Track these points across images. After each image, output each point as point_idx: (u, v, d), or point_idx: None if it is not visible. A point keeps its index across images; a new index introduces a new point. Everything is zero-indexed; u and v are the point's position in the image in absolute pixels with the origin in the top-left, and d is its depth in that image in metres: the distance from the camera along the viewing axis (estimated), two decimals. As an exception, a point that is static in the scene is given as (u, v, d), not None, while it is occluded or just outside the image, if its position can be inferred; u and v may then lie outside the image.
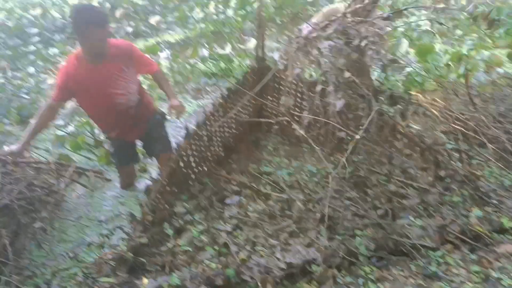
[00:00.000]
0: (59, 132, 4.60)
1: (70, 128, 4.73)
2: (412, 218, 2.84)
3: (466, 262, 2.50)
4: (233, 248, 2.69)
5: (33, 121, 3.39)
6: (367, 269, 2.52)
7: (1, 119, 5.36)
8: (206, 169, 3.69)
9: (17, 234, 2.94)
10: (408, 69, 5.22)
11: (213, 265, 2.54)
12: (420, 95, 4.62)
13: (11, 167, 3.24)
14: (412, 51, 5.87)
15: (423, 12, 7.86)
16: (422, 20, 7.14)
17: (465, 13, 7.50)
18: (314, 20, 3.55)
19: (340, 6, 3.56)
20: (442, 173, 3.23)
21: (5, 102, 5.67)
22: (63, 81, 3.18)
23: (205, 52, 6.94)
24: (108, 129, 3.58)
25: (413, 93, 4.72)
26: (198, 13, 10.04)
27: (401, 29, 7.18)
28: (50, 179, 3.69)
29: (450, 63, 5.42)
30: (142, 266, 2.63)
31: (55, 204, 3.40)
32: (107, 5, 10.83)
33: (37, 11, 10.81)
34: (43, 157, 4.04)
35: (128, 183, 3.80)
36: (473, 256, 2.53)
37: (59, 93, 3.25)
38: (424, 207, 2.97)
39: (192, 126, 3.53)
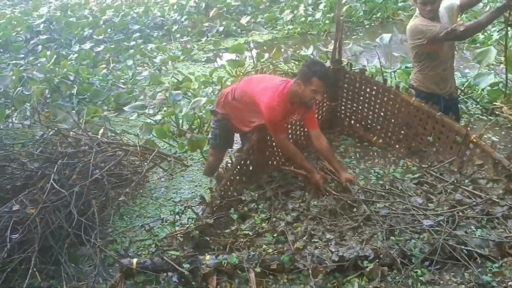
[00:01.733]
0: (148, 120, 5.06)
1: (158, 117, 5.18)
2: (473, 228, 2.81)
3: (525, 277, 2.45)
4: (291, 238, 2.86)
5: None
6: (419, 271, 2.55)
7: (101, 105, 5.98)
8: (275, 163, 3.90)
9: (105, 205, 3.34)
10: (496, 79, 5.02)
11: (270, 250, 2.73)
12: (505, 107, 4.44)
13: (105, 146, 3.66)
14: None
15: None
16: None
17: None
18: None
19: (422, 20, 3.51)
20: (513, 186, 3.14)
21: (105, 90, 6.30)
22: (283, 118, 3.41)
23: (288, 53, 7.14)
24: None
25: (497, 104, 4.55)
26: (287, 15, 10.27)
27: (495, 37, 6.85)
28: (136, 161, 4.13)
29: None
30: (206, 244, 2.89)
31: (138, 183, 3.80)
32: (202, 5, 11.46)
33: (141, 9, 11.73)
34: (132, 141, 4.48)
35: (215, 165, 3.92)
36: (532, 271, 2.47)
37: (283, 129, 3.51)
38: (489, 218, 2.91)
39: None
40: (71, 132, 4.05)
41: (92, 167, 3.24)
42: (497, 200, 3.07)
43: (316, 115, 4.30)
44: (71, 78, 6.62)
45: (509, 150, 3.65)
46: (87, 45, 9.01)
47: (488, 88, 4.95)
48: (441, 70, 3.64)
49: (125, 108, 5.37)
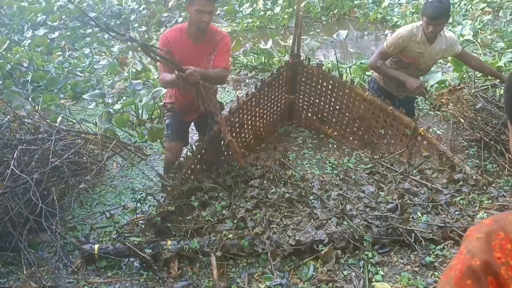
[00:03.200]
0: (107, 109, 5.01)
1: (117, 107, 5.14)
2: (419, 214, 3.02)
3: (463, 257, 2.67)
4: (250, 224, 2.97)
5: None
6: (369, 254, 2.74)
7: (57, 93, 5.86)
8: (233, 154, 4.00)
9: (64, 192, 3.34)
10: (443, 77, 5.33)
11: (230, 236, 2.83)
12: (451, 104, 4.72)
13: (64, 134, 3.64)
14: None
15: (469, 21, 7.85)
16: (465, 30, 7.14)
17: (512, 26, 7.45)
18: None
19: (412, 29, 3.55)
20: (456, 176, 3.39)
21: (62, 79, 6.17)
22: (164, 46, 3.25)
23: (248, 46, 7.24)
24: (180, 101, 3.63)
25: (443, 100, 4.84)
26: (246, 8, 10.35)
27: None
28: (96, 149, 4.12)
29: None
30: (168, 230, 2.96)
31: (98, 172, 3.80)
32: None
33: (97, -4, 11.46)
34: (91, 129, 4.46)
35: (172, 160, 3.74)
36: (470, 253, 2.70)
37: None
38: (434, 205, 3.14)
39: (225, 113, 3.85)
40: (28, 119, 3.98)
41: (52, 154, 3.22)
42: (441, 189, 3.31)
43: (274, 108, 4.45)
44: (25, 65, 6.44)
45: (452, 143, 3.91)
46: (41, 31, 8.74)
47: (436, 85, 5.25)
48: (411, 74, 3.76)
49: (84, 97, 5.29)
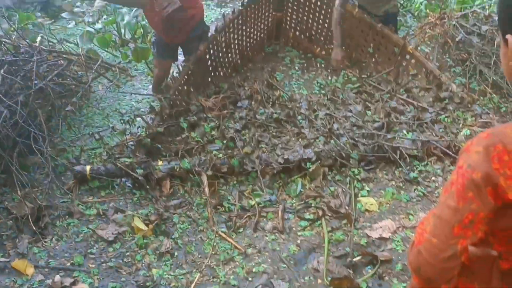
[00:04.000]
0: (88, 28, 4.83)
1: (98, 26, 4.96)
2: (405, 132, 3.09)
3: (445, 173, 2.79)
4: (239, 143, 3.01)
5: None
6: (355, 170, 2.83)
7: (33, 11, 5.58)
8: (222, 74, 3.96)
9: (51, 115, 3.31)
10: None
11: (220, 155, 2.89)
12: (438, 21, 4.64)
13: (45, 54, 3.53)
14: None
15: None
16: None
17: None
18: None
19: None
20: (442, 94, 3.43)
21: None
22: None
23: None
24: (157, 28, 3.62)
25: (431, 17, 4.74)
26: None
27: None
28: (79, 71, 4.03)
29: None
30: (158, 151, 2.99)
31: (84, 93, 3.74)
32: None
33: None
34: (73, 50, 4.32)
35: (162, 76, 3.80)
36: (453, 168, 2.81)
37: None
38: (419, 123, 3.21)
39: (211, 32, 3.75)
40: (5, 39, 3.83)
41: (35, 76, 3.14)
42: (427, 107, 3.36)
43: (261, 26, 4.34)
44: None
45: (440, 61, 3.91)
46: None
47: (426, 2, 5.13)
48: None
49: (63, 15, 5.07)
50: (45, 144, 2.87)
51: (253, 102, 3.52)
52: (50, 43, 4.24)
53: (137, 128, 3.26)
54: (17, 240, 2.44)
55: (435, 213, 0.89)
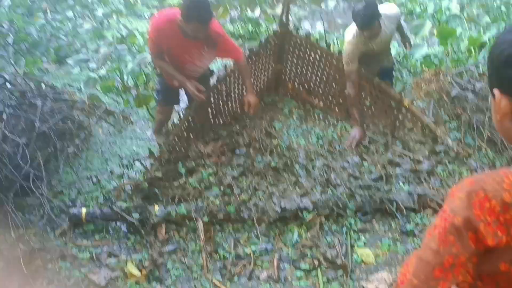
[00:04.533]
0: (92, 74, 4.96)
1: (102, 72, 5.08)
2: (401, 184, 3.11)
3: (441, 226, 2.78)
4: (236, 190, 3.03)
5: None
6: (352, 221, 2.83)
7: (39, 56, 5.74)
8: (221, 121, 4.02)
9: (50, 157, 3.33)
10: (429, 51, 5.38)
11: (217, 202, 2.89)
12: (433, 77, 4.77)
13: (51, 101, 3.60)
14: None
15: (456, -5, 7.86)
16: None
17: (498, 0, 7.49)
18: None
19: (355, 40, 3.53)
20: (438, 148, 3.48)
21: (44, 42, 6.04)
22: (156, 37, 3.28)
23: (235, 14, 7.15)
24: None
25: (427, 73, 4.89)
26: (234, -25, 10.16)
27: (430, 11, 7.25)
28: (81, 115, 4.10)
29: (471, 49, 5.54)
30: (155, 195, 3.00)
31: (84, 138, 3.79)
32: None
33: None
34: (77, 95, 4.41)
35: (163, 121, 3.85)
36: (448, 221, 2.81)
37: (154, 48, 3.37)
38: (415, 176, 3.24)
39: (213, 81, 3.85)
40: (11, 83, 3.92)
41: (39, 120, 3.20)
42: (422, 160, 3.40)
43: (262, 76, 4.45)
44: (5, 26, 6.26)
45: (435, 116, 3.98)
46: (21, -8, 8.46)
47: (422, 58, 5.30)
48: (369, 59, 3.77)
49: (68, 61, 5.21)
50: (43, 186, 2.88)
51: (251, 150, 3.56)
52: (57, 87, 4.33)
53: (135, 173, 3.28)
54: (7, 282, 2.40)
55: (418, 255, 0.91)
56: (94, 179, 3.25)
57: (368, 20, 3.28)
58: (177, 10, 3.19)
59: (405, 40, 4.10)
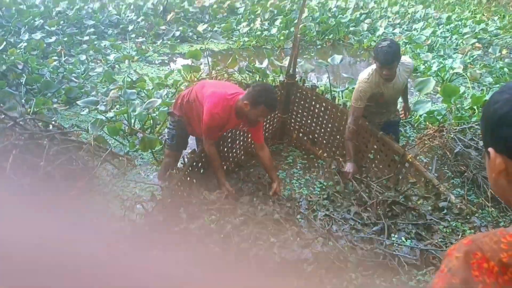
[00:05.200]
0: (100, 116, 5.04)
1: (110, 114, 5.17)
2: (403, 239, 3.08)
3: (444, 284, 2.72)
4: (237, 239, 3.00)
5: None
6: (353, 275, 2.77)
7: (50, 97, 5.86)
8: (225, 168, 4.04)
9: (54, 197, 3.34)
10: (432, 107, 5.46)
11: (217, 249, 2.85)
12: (436, 133, 4.83)
13: (57, 141, 3.65)
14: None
15: (459, 55, 8.07)
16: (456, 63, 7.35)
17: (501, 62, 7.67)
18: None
19: (368, 78, 3.67)
20: (441, 204, 3.46)
21: (56, 83, 6.19)
22: (216, 126, 3.44)
23: (243, 64, 7.34)
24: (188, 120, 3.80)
25: (430, 129, 4.94)
26: (244, 27, 10.51)
27: (434, 68, 7.42)
28: (86, 156, 4.13)
29: (474, 107, 5.63)
30: (155, 240, 2.96)
31: (89, 178, 3.81)
32: (160, 7, 11.48)
33: (96, 5, 11.54)
34: (83, 136, 4.47)
35: (171, 165, 3.86)
36: (451, 280, 2.76)
37: (211, 135, 3.52)
38: (418, 231, 3.21)
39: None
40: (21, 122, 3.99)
41: (44, 160, 3.23)
42: (425, 215, 3.38)
43: (267, 125, 4.52)
44: (20, 67, 6.44)
45: (438, 171, 4.00)
46: (38, 35, 8.75)
47: (425, 115, 5.37)
48: (378, 108, 3.92)
49: (78, 103, 5.31)
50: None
51: (254, 199, 3.56)
52: (62, 128, 4.40)
53: (136, 215, 3.26)
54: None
55: None
56: (95, 221, 3.22)
57: (390, 57, 3.39)
58: (226, 94, 3.42)
59: (406, 105, 4.16)
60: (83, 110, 5.59)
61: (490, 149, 0.92)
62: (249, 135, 4.36)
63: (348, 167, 3.82)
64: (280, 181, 3.78)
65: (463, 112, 5.54)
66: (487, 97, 5.59)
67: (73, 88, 6.03)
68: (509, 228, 0.89)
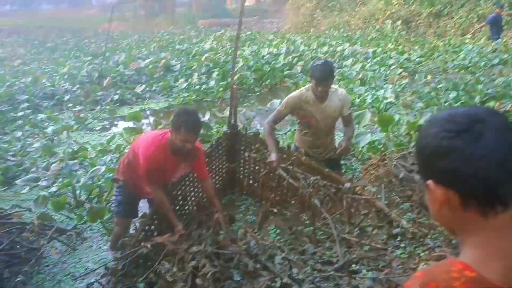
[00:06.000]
0: (42, 192, 4.84)
1: (53, 189, 4.98)
2: (364, 271, 3.10)
3: (410, 310, 2.75)
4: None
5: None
6: (321, 317, 2.75)
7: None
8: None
9: (-2, 286, 3.12)
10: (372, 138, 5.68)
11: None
12: (380, 162, 4.99)
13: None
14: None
15: (389, 85, 8.53)
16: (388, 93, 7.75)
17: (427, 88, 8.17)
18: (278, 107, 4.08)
19: (300, 92, 3.98)
20: (394, 231, 3.54)
21: (-9, 165, 5.92)
22: (154, 168, 3.34)
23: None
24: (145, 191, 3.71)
25: (374, 161, 5.11)
26: (182, 83, 10.63)
27: (369, 100, 7.77)
28: (31, 236, 3.92)
29: (410, 133, 5.91)
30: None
31: (35, 260, 3.60)
32: (95, 74, 11.43)
33: (28, 79, 11.32)
34: (26, 216, 4.26)
35: (121, 234, 3.74)
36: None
37: (153, 179, 3.41)
38: (377, 262, 3.24)
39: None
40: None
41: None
42: (380, 247, 3.43)
43: (216, 177, 4.51)
44: (-50, 153, 6.13)
45: (387, 198, 4.12)
46: (-33, 117, 8.43)
47: (367, 146, 5.58)
48: (313, 137, 4.11)
49: (17, 182, 5.09)
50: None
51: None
52: (1, 210, 4.18)
53: (91, 292, 3.10)
54: None
55: None
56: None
57: (326, 74, 3.69)
58: (156, 134, 3.44)
59: (345, 142, 4.09)
60: (24, 189, 5.34)
61: (430, 182, 0.94)
62: (200, 188, 4.32)
63: (272, 157, 3.91)
64: (222, 208, 3.78)
65: (401, 139, 5.80)
66: (421, 121, 5.90)
67: (10, 167, 5.78)
68: (458, 257, 0.92)
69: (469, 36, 14.30)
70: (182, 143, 3.23)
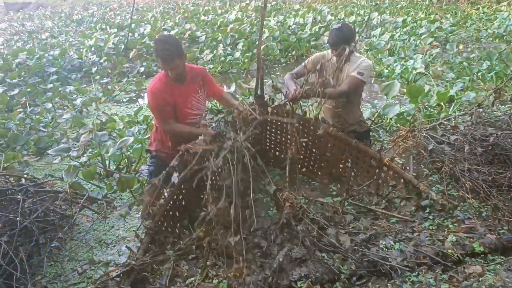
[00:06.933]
0: (73, 162, 4.96)
1: (83, 159, 5.09)
2: (392, 242, 3.09)
3: (438, 281, 2.74)
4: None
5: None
6: (347, 285, 2.76)
7: (20, 150, 5.75)
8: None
9: (33, 251, 3.24)
10: (401, 109, 5.57)
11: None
12: (408, 134, 4.90)
13: (32, 194, 3.56)
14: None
15: (419, 55, 8.29)
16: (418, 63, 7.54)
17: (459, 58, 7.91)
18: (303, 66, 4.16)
19: (327, 52, 4.03)
20: (423, 203, 3.50)
21: (24, 135, 6.07)
22: (159, 100, 3.37)
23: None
24: (168, 146, 3.74)
25: (402, 131, 5.02)
26: (207, 55, 10.58)
27: (398, 71, 7.59)
28: (64, 205, 4.04)
29: (441, 103, 5.77)
30: (144, 279, 2.90)
31: (68, 227, 3.72)
32: (121, 46, 11.48)
33: (56, 52, 11.47)
34: (58, 185, 4.38)
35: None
36: (444, 276, 2.78)
37: (161, 113, 3.44)
38: (405, 233, 3.22)
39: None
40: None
41: (20, 215, 3.15)
42: (409, 218, 3.41)
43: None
44: (-16, 123, 6.32)
45: (416, 171, 4.06)
46: (0, 89, 8.62)
47: (395, 117, 5.47)
48: (332, 106, 4.16)
49: (49, 152, 5.22)
50: (27, 283, 2.77)
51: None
52: (36, 179, 4.30)
53: (122, 258, 3.19)
54: None
55: None
56: (80, 270, 3.14)
57: (334, 39, 3.82)
58: (158, 74, 3.47)
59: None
60: (55, 159, 5.48)
61: None
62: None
63: (294, 90, 3.90)
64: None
65: (431, 110, 5.68)
66: (452, 92, 5.75)
67: (42, 138, 5.93)
68: None
69: (505, 3, 13.70)
70: (166, 71, 3.32)
